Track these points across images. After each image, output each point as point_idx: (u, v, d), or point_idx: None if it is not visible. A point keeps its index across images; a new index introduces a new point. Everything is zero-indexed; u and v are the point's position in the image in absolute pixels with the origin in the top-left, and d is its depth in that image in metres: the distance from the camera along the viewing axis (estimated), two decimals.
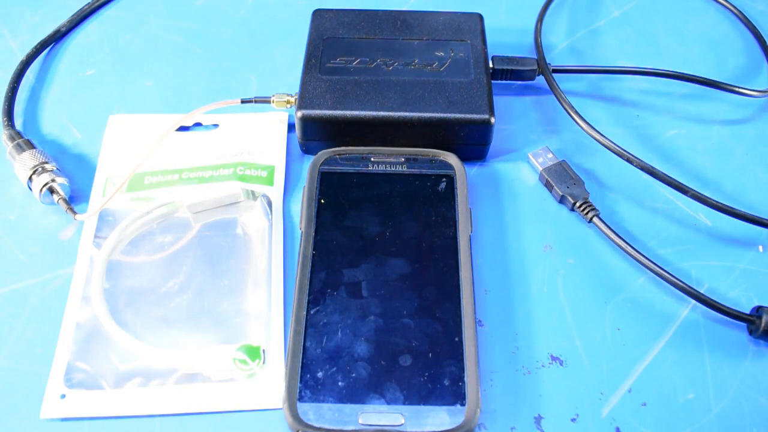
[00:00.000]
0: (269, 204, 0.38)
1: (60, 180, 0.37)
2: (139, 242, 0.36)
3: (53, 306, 0.34)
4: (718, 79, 0.44)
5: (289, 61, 0.47)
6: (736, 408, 0.32)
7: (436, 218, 0.36)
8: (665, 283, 0.35)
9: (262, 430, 0.31)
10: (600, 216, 0.37)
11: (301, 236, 0.35)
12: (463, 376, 0.30)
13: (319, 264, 0.34)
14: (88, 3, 0.50)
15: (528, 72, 0.44)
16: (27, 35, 0.48)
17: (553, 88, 0.42)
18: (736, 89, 0.44)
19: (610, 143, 0.38)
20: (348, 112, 0.39)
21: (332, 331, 0.32)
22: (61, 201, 0.37)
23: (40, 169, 0.37)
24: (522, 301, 0.35)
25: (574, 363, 0.33)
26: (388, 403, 0.30)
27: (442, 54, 0.42)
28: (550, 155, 0.40)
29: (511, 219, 0.39)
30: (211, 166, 0.39)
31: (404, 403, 0.30)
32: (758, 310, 0.34)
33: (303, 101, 0.39)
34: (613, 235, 0.36)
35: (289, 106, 0.41)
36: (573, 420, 0.31)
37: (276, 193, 0.39)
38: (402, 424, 0.29)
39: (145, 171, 0.39)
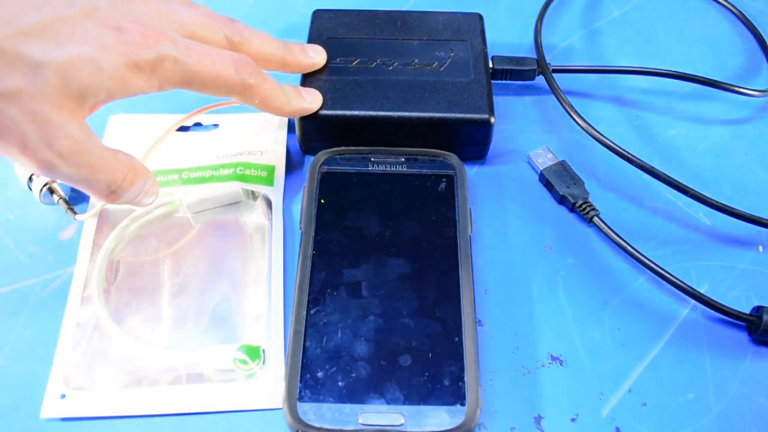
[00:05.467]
0: (269, 204, 0.38)
1: None
2: (139, 242, 0.37)
3: (53, 306, 0.34)
4: (718, 79, 0.44)
5: None
6: (736, 408, 0.32)
7: (436, 218, 0.36)
8: (665, 283, 0.35)
9: (262, 430, 0.31)
10: (600, 216, 0.37)
11: (301, 236, 0.35)
12: (463, 376, 0.30)
13: (319, 264, 0.34)
14: None
15: (528, 72, 0.44)
16: None
17: (553, 88, 0.42)
18: (736, 89, 0.44)
19: (610, 143, 0.38)
20: (348, 112, 0.39)
21: (332, 331, 0.32)
22: (61, 201, 0.37)
23: None
24: (522, 301, 0.35)
25: (574, 363, 0.33)
26: (388, 403, 0.30)
27: (442, 54, 0.42)
28: (550, 155, 0.40)
29: (511, 219, 0.39)
30: (211, 166, 0.39)
31: (404, 403, 0.30)
32: (758, 310, 0.34)
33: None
34: (613, 235, 0.36)
35: None
36: (573, 420, 0.31)
37: (276, 193, 0.39)
38: (402, 424, 0.29)
39: None
